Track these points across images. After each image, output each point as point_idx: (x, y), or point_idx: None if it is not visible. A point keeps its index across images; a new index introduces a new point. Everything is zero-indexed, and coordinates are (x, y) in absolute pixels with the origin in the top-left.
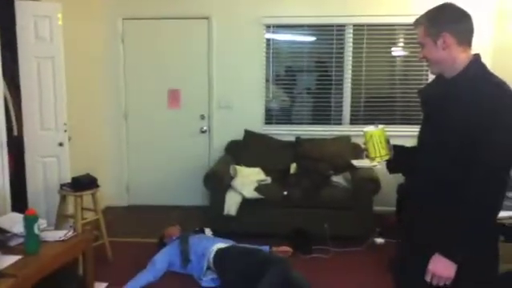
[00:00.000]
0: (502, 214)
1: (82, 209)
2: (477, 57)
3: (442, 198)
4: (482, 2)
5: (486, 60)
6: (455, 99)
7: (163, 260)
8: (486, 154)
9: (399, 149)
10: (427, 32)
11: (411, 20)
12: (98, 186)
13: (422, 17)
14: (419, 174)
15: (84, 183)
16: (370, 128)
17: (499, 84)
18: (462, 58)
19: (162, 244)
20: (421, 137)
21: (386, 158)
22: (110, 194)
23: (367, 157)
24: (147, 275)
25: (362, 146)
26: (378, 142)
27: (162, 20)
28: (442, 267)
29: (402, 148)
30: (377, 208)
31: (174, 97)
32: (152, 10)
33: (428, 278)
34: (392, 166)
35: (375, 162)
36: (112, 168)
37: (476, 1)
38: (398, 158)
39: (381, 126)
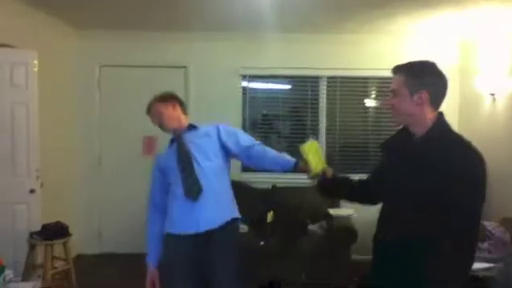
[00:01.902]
0: (477, 265)
1: (53, 258)
2: (441, 115)
3: (410, 252)
4: (444, 57)
5: (454, 114)
6: (426, 160)
7: None
8: (456, 217)
9: (341, 178)
10: (406, 83)
11: (383, 73)
12: (69, 235)
13: (405, 66)
14: (388, 225)
15: (54, 232)
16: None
17: (467, 145)
18: (430, 117)
19: None
20: (388, 188)
21: (324, 166)
22: (82, 241)
23: (309, 174)
24: None
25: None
26: (314, 152)
27: (140, 68)
28: None
29: (344, 178)
30: (356, 257)
31: (149, 144)
32: (130, 58)
33: None
34: (324, 188)
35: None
36: (84, 214)
37: (439, 56)
38: (332, 183)
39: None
